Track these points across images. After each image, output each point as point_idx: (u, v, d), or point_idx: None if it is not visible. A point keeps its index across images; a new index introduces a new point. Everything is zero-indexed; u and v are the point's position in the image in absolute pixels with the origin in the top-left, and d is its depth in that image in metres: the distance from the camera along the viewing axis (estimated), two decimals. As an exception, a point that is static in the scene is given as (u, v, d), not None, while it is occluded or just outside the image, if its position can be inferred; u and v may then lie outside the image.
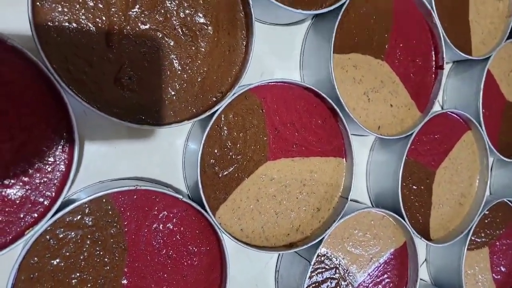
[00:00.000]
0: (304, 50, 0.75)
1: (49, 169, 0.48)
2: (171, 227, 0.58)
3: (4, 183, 0.46)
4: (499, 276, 1.02)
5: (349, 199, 0.70)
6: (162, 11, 0.54)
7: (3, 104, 0.44)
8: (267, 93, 0.64)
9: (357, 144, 0.82)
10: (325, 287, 0.73)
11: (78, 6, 0.49)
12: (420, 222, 0.85)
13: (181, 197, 0.57)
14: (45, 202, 0.49)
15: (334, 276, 0.74)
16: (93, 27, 0.50)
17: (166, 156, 0.65)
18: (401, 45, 0.78)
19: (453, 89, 0.96)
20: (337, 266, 0.75)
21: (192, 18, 0.56)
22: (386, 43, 0.76)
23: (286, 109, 0.66)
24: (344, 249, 0.75)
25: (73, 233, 0.52)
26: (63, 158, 0.49)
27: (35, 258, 0.49)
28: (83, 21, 0.49)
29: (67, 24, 0.48)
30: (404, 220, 0.77)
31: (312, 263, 0.67)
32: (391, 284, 0.81)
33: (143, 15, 0.53)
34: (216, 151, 0.61)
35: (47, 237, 0.50)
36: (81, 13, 0.49)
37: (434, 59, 0.82)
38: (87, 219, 0.52)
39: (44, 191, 0.48)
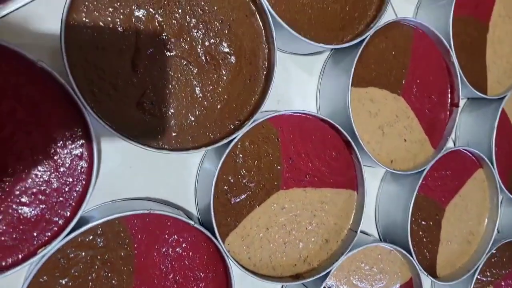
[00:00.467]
0: (321, 80, 0.76)
1: (66, 189, 0.49)
2: (180, 251, 0.58)
3: (22, 201, 0.46)
4: (503, 317, 1.00)
5: (358, 232, 0.69)
6: (188, 39, 0.55)
7: (30, 125, 0.45)
8: (284, 123, 0.65)
9: (368, 175, 0.81)
10: (329, 320, 0.72)
11: (108, 31, 0.50)
12: (427, 258, 0.84)
13: (193, 223, 0.57)
14: (60, 222, 0.49)
15: (338, 309, 0.73)
16: (121, 52, 0.51)
17: (179, 178, 0.65)
18: (418, 81, 0.78)
19: (466, 125, 0.96)
20: (342, 299, 0.74)
21: (217, 47, 0.57)
22: (403, 78, 0.76)
23: (302, 139, 0.66)
24: (350, 282, 0.75)
25: (83, 253, 0.52)
26: (81, 178, 0.49)
27: (44, 277, 0.49)
28: (111, 46, 0.50)
29: (95, 48, 0.49)
30: (412, 256, 0.77)
31: (318, 295, 0.67)
32: (395, 320, 0.80)
33: (169, 42, 0.54)
34: (230, 178, 0.61)
35: (58, 256, 0.50)
36: (109, 38, 0.50)
37: (449, 96, 0.83)
38: (99, 239, 0.52)
39: (59, 211, 0.49)
